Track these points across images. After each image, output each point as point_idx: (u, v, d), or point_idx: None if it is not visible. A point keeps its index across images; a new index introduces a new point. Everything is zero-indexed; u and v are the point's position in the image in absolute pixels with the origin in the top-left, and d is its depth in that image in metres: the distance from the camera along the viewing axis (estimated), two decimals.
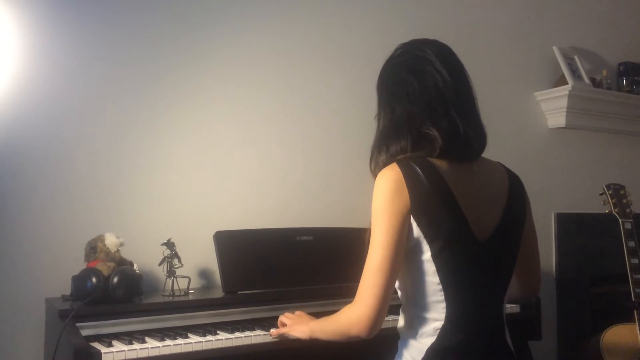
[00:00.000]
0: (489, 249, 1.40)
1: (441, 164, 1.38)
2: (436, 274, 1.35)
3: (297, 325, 1.68)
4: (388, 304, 1.35)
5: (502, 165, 1.54)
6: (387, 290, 1.34)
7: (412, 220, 1.34)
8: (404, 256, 1.37)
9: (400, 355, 1.44)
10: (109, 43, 2.20)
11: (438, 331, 1.36)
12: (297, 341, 1.71)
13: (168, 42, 2.30)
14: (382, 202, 1.35)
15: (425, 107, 1.41)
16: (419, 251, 1.36)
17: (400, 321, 1.47)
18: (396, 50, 1.52)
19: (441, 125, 1.39)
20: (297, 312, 1.76)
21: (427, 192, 1.34)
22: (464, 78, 1.47)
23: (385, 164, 1.41)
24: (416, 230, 1.34)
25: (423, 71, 1.43)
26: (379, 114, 1.50)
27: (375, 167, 1.45)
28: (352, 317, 1.38)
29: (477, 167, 1.45)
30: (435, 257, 1.35)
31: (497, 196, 1.45)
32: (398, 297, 1.46)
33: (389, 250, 1.33)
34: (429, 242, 1.34)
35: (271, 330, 1.77)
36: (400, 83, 1.46)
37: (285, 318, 1.75)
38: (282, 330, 1.73)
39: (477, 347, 1.39)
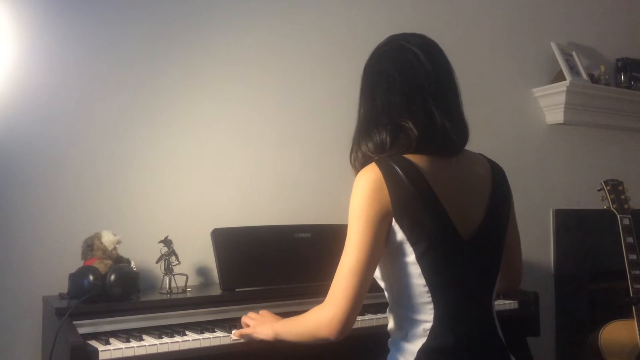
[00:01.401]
0: (474, 246, 1.38)
1: (421, 161, 1.36)
2: (422, 275, 1.33)
3: (260, 326, 1.62)
4: (360, 307, 1.34)
5: (484, 156, 1.52)
6: (360, 294, 1.32)
7: (394, 222, 1.32)
8: (388, 258, 1.36)
9: (392, 356, 1.42)
10: (105, 41, 2.19)
11: (428, 332, 1.35)
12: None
13: (165, 40, 2.30)
14: (359, 204, 1.33)
15: (404, 97, 1.39)
16: (402, 253, 1.34)
17: (390, 322, 1.46)
18: (384, 41, 1.51)
19: (417, 117, 1.37)
20: (262, 312, 1.71)
21: (408, 194, 1.32)
22: (446, 71, 1.45)
23: (365, 158, 1.40)
24: (399, 233, 1.32)
25: (404, 61, 1.42)
26: (360, 104, 1.49)
27: (355, 160, 1.44)
28: (321, 319, 1.35)
29: (458, 161, 1.42)
30: (419, 259, 1.33)
31: (480, 190, 1.43)
32: (383, 295, 1.46)
33: (363, 254, 1.31)
34: (412, 244, 1.32)
35: (233, 331, 1.71)
36: (382, 72, 1.44)
37: (248, 319, 1.70)
38: (245, 331, 1.68)
39: (469, 346, 1.37)
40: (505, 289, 1.64)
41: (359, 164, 1.42)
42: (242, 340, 1.70)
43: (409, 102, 1.39)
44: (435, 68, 1.41)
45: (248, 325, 1.69)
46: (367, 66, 1.51)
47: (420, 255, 1.33)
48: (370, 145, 1.40)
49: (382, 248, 1.34)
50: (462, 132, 1.43)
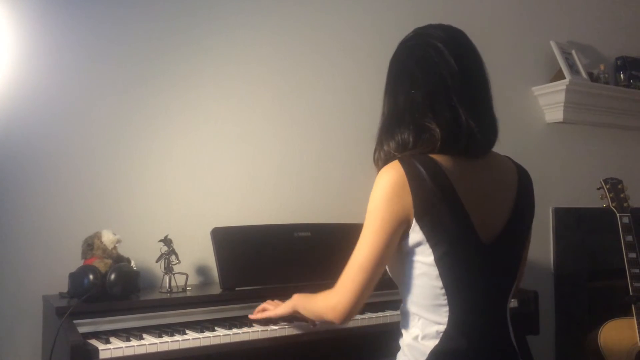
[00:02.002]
0: (494, 251, 1.36)
1: (445, 161, 1.34)
2: (439, 278, 1.32)
3: (279, 307, 1.73)
4: (365, 300, 1.38)
5: (511, 159, 1.50)
6: (366, 289, 1.35)
7: (414, 222, 1.30)
8: (406, 258, 1.35)
9: (404, 353, 1.41)
10: (104, 41, 2.19)
11: (441, 334, 1.34)
12: (296, 337, 1.71)
13: (164, 39, 2.30)
14: (379, 203, 1.32)
15: (427, 97, 1.36)
16: (422, 254, 1.33)
17: (402, 321, 1.44)
18: (409, 34, 1.47)
19: (441, 117, 1.34)
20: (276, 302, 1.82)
21: (431, 195, 1.29)
22: (475, 66, 1.42)
23: (388, 157, 1.38)
24: (419, 234, 1.31)
25: (428, 59, 1.38)
26: (383, 101, 1.46)
27: (379, 159, 1.42)
28: (328, 304, 1.42)
29: (485, 163, 1.40)
30: (438, 261, 1.31)
31: (505, 195, 1.41)
32: (387, 293, 1.47)
33: (376, 252, 1.32)
34: (432, 246, 1.31)
35: (250, 316, 1.81)
36: (404, 70, 1.42)
37: (267, 304, 1.81)
38: (265, 314, 1.77)
39: (481, 352, 1.36)
40: None
41: (382, 162, 1.40)
42: (240, 334, 1.74)
43: (432, 101, 1.36)
44: (460, 63, 1.37)
45: (266, 310, 1.78)
46: (392, 62, 1.48)
47: (440, 257, 1.31)
48: (393, 144, 1.39)
49: (394, 248, 1.34)
50: (489, 131, 1.40)
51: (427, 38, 1.42)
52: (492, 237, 1.36)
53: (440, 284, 1.32)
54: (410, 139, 1.36)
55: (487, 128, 1.40)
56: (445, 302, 1.33)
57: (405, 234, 1.33)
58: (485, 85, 1.43)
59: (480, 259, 1.35)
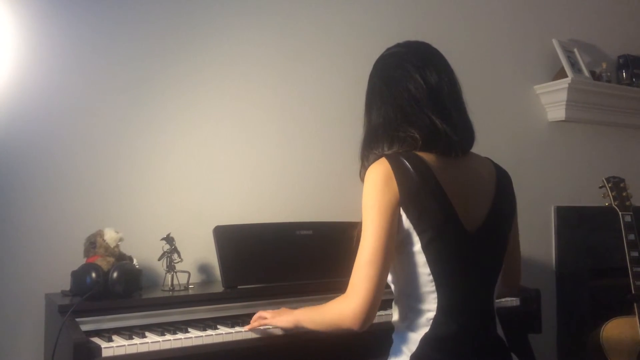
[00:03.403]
0: (478, 240, 1.42)
1: (428, 157, 1.41)
2: (427, 264, 1.37)
3: (279, 316, 1.67)
4: (381, 297, 1.36)
5: (491, 160, 1.56)
6: (380, 283, 1.35)
7: (401, 212, 1.36)
8: (395, 249, 1.38)
9: (396, 347, 1.44)
10: (106, 40, 2.19)
11: (431, 321, 1.38)
12: (297, 336, 1.71)
13: (167, 38, 2.30)
14: (372, 195, 1.37)
15: (399, 111, 1.45)
16: (409, 243, 1.38)
17: (394, 314, 1.48)
18: (383, 53, 1.57)
19: (418, 124, 1.42)
20: (282, 308, 1.74)
21: (416, 185, 1.36)
22: (442, 77, 1.48)
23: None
24: (406, 222, 1.36)
25: (394, 77, 1.48)
26: (365, 115, 1.55)
27: (362, 170, 1.48)
28: (344, 311, 1.37)
29: (465, 163, 1.47)
30: (425, 248, 1.36)
31: (484, 191, 1.47)
32: (390, 291, 1.47)
33: (380, 242, 1.34)
34: (419, 234, 1.36)
35: (245, 327, 1.75)
36: (375, 91, 1.51)
37: (264, 312, 1.74)
38: (261, 322, 1.71)
39: (469, 337, 1.40)
40: (505, 292, 1.66)
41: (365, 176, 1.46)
42: (244, 331, 1.73)
43: (405, 114, 1.45)
44: (424, 76, 1.46)
45: (263, 318, 1.72)
46: (369, 80, 1.56)
47: (426, 244, 1.36)
48: (373, 158, 1.45)
49: (395, 237, 1.37)
50: (465, 134, 1.48)
51: (393, 58, 1.52)
52: (475, 227, 1.42)
53: (428, 270, 1.37)
54: (391, 146, 1.44)
55: (463, 131, 1.47)
56: (434, 288, 1.38)
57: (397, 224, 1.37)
58: (455, 93, 1.50)
59: (466, 246, 1.40)
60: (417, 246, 1.37)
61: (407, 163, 1.38)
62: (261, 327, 1.74)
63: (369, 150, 1.48)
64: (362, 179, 1.47)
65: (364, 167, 1.48)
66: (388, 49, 1.57)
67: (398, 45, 1.55)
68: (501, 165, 1.57)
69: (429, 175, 1.38)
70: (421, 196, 1.36)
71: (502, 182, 1.51)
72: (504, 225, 1.50)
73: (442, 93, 1.46)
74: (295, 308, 1.68)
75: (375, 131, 1.48)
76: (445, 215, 1.37)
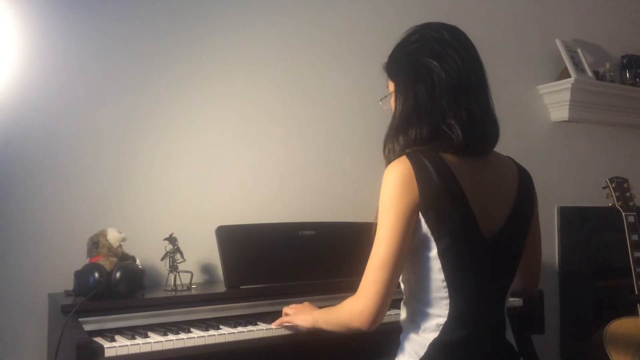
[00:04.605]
0: (495, 246, 1.38)
1: (452, 158, 1.36)
2: (441, 271, 1.34)
3: (300, 314, 1.68)
4: (390, 300, 1.35)
5: (512, 160, 1.52)
6: (390, 287, 1.33)
7: (420, 216, 1.32)
8: (409, 252, 1.36)
9: (403, 349, 1.43)
10: (109, 40, 2.19)
11: (441, 327, 1.36)
12: (300, 335, 1.71)
13: (169, 38, 2.30)
14: (389, 197, 1.33)
15: (450, 97, 1.37)
16: (425, 247, 1.34)
17: (403, 315, 1.46)
18: (410, 33, 1.46)
19: (461, 118, 1.36)
20: (305, 303, 1.75)
21: (437, 189, 1.32)
22: (479, 65, 1.43)
23: (400, 152, 1.38)
24: (424, 227, 1.33)
25: (444, 56, 1.38)
26: (397, 98, 1.44)
27: (389, 153, 1.41)
28: (353, 311, 1.37)
29: (488, 162, 1.43)
30: (441, 254, 1.33)
31: (506, 193, 1.43)
32: (400, 290, 1.46)
33: (393, 247, 1.32)
34: (436, 239, 1.33)
35: (273, 323, 1.77)
36: (424, 68, 1.39)
37: (288, 308, 1.76)
38: (284, 319, 1.74)
39: (479, 344, 1.38)
40: (524, 290, 1.66)
41: (393, 156, 1.40)
42: (245, 332, 1.73)
43: (453, 104, 1.37)
44: (470, 63, 1.40)
45: (287, 314, 1.73)
46: (401, 59, 1.45)
47: (443, 250, 1.33)
48: (407, 139, 1.39)
49: (410, 241, 1.34)
50: (495, 130, 1.44)
51: (434, 34, 1.42)
52: (493, 232, 1.38)
53: (442, 276, 1.34)
54: (426, 136, 1.37)
55: (494, 128, 1.44)
56: (446, 294, 1.35)
57: (414, 228, 1.34)
58: (487, 86, 1.45)
59: (482, 253, 1.37)
60: (434, 252, 1.34)
61: (429, 164, 1.32)
62: (284, 324, 1.75)
63: (405, 130, 1.39)
64: (385, 157, 1.42)
65: (393, 147, 1.40)
66: (421, 26, 1.45)
67: (436, 25, 1.44)
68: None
69: (451, 179, 1.33)
70: (441, 201, 1.32)
71: (524, 184, 1.47)
72: (520, 232, 1.46)
73: (481, 84, 1.42)
74: None
75: (418, 112, 1.38)
76: (464, 221, 1.33)
